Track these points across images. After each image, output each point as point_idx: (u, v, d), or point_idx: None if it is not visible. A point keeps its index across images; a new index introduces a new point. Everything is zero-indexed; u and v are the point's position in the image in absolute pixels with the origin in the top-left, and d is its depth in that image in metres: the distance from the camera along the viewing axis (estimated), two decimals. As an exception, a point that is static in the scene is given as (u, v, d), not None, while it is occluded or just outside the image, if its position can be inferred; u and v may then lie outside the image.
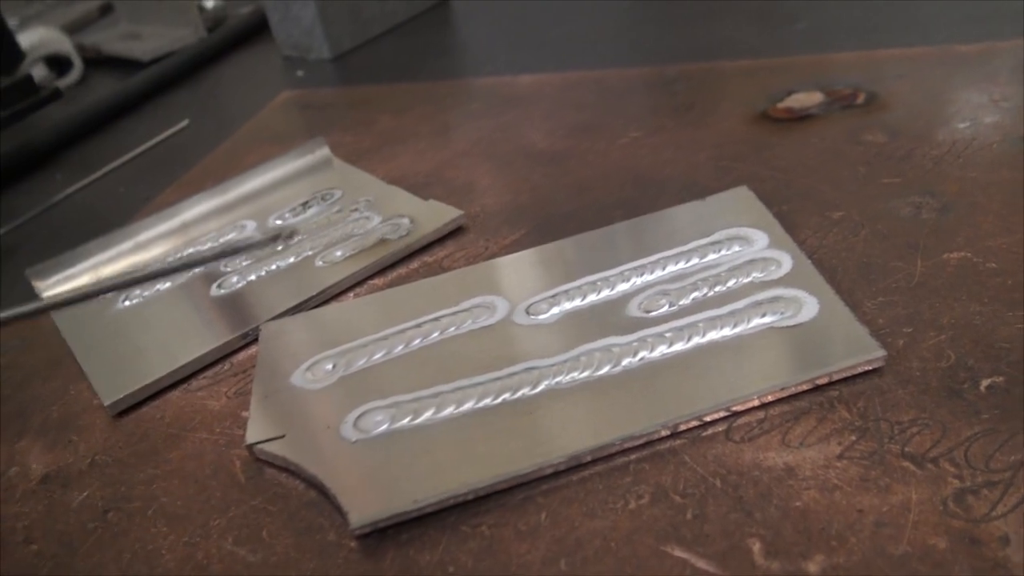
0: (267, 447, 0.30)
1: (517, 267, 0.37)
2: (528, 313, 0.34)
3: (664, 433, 0.27)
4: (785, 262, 0.33)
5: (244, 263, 0.42)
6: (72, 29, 0.93)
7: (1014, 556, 0.22)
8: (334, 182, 0.48)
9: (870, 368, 0.28)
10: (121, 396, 0.34)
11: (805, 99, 0.47)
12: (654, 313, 0.32)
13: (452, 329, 0.34)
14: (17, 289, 0.47)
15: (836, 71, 0.50)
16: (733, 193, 0.38)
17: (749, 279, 0.33)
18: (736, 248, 0.35)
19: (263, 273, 0.41)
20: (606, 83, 0.55)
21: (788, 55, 0.55)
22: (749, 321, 0.31)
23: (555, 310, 0.33)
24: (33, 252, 0.51)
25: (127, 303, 0.41)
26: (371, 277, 0.40)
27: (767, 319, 0.30)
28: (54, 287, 0.43)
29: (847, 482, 0.25)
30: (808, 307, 0.31)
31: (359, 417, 0.30)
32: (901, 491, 0.24)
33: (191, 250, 0.45)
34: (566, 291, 0.34)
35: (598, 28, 0.69)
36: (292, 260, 0.41)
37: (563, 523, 0.26)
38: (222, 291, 0.40)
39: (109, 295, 0.42)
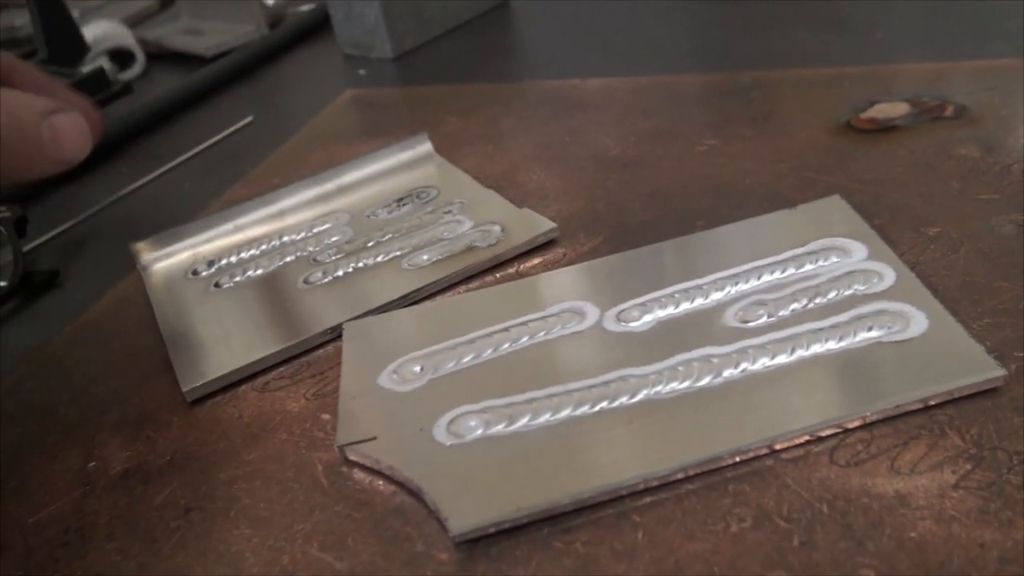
0: (359, 448, 0.29)
1: (603, 272, 0.36)
2: (619, 320, 0.33)
3: (764, 451, 0.27)
4: (887, 275, 0.32)
5: (333, 257, 0.42)
6: (133, 23, 0.94)
7: None
8: (433, 180, 0.48)
9: (988, 388, 0.27)
10: (198, 384, 0.34)
11: (890, 110, 0.46)
12: (752, 324, 0.31)
13: (541, 334, 0.33)
14: (87, 279, 0.47)
15: (920, 81, 0.48)
16: (826, 202, 0.37)
17: (851, 291, 0.32)
18: (834, 259, 0.34)
19: (350, 269, 0.41)
20: (678, 89, 0.54)
21: (866, 64, 0.53)
22: (855, 335, 0.29)
23: (648, 317, 0.33)
24: (102, 244, 0.52)
25: (218, 287, 0.42)
26: (455, 285, 0.39)
27: (874, 333, 0.29)
28: (154, 263, 0.44)
29: (965, 514, 0.24)
30: (916, 322, 0.29)
31: (452, 421, 0.29)
32: (1026, 526, 0.23)
33: (286, 238, 0.45)
34: (658, 298, 0.33)
35: (664, 32, 0.68)
36: (380, 259, 0.41)
37: (661, 544, 0.25)
38: (307, 285, 0.40)
39: (202, 276, 0.43)
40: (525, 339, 0.33)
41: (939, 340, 0.28)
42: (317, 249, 0.43)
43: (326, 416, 0.32)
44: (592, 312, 0.33)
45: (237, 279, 0.42)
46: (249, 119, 0.65)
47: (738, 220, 0.38)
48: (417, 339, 0.34)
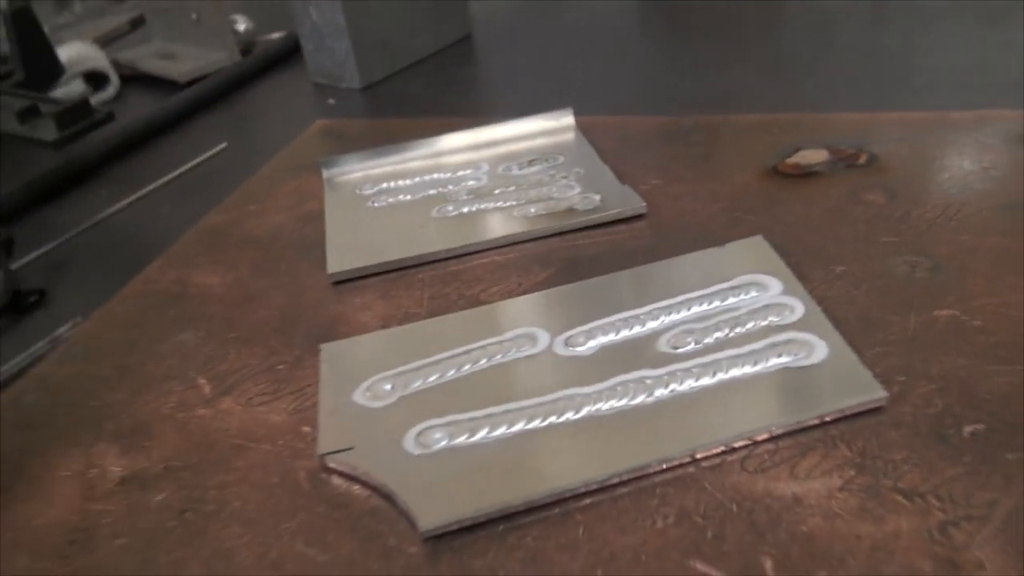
0: (338, 457, 0.33)
1: (554, 301, 0.41)
2: (567, 345, 0.37)
3: (687, 460, 0.31)
4: (798, 308, 0.37)
5: (464, 197, 0.52)
6: (103, 43, 0.97)
7: (989, 579, 0.26)
8: (563, 149, 0.56)
9: (872, 407, 0.32)
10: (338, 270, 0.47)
11: (812, 156, 0.51)
12: (681, 350, 0.36)
13: (499, 356, 0.37)
14: (73, 299, 0.50)
15: (841, 130, 0.54)
16: (750, 242, 0.42)
17: (766, 322, 0.37)
18: (753, 293, 0.39)
19: (474, 209, 0.51)
20: (627, 130, 0.59)
21: (797, 110, 0.59)
22: (767, 360, 0.34)
23: (592, 343, 0.37)
24: (85, 265, 0.55)
25: (375, 204, 0.54)
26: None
27: (783, 359, 0.34)
28: (336, 176, 0.58)
29: (847, 511, 0.29)
30: (819, 350, 0.35)
31: (420, 433, 0.34)
32: (893, 521, 0.28)
33: (436, 175, 0.56)
34: (601, 326, 0.38)
35: (616, 70, 0.73)
36: (499, 204, 0.50)
37: (599, 538, 0.29)
38: (438, 215, 0.51)
39: (366, 194, 0.55)
40: (484, 361, 0.37)
41: (836, 366, 0.34)
42: (456, 189, 0.54)
43: (306, 429, 0.36)
44: (543, 337, 0.38)
45: (390, 200, 0.53)
46: (223, 145, 0.68)
47: (674, 256, 0.43)
48: (388, 360, 0.38)
